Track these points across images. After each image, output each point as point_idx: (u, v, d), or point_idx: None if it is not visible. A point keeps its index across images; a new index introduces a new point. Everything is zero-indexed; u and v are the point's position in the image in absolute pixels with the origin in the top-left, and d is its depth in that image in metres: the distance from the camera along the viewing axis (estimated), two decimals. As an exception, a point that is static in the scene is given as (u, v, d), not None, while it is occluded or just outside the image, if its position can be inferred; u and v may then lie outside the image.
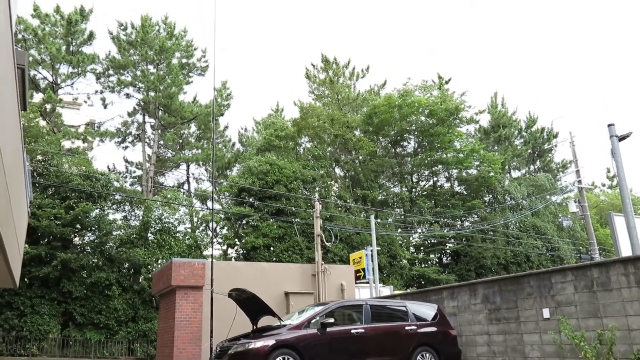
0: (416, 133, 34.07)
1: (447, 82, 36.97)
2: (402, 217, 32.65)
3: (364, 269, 21.38)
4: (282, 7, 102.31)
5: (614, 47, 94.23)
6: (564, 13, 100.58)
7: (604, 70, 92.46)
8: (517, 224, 33.32)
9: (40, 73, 27.54)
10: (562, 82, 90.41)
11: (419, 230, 33.11)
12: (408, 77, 46.52)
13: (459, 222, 33.66)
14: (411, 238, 33.51)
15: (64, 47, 27.38)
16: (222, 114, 33.37)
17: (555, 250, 33.31)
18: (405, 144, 35.48)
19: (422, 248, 33.53)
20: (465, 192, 35.07)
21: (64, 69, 27.88)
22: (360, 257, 22.13)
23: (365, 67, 36.68)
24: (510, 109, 40.77)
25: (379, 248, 25.79)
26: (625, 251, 12.03)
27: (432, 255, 32.85)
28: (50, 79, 27.76)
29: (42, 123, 25.74)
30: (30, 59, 25.45)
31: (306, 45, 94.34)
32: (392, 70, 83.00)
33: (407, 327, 9.51)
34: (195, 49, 31.79)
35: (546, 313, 8.71)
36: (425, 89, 34.87)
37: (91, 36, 28.26)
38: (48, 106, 26.24)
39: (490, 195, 34.88)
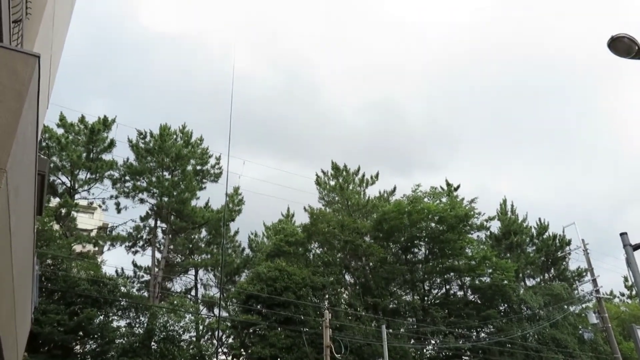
0: (426, 239, 33.84)
1: (456, 189, 37.40)
2: (415, 327, 31.43)
3: (375, 384, 20.21)
4: (293, 117, 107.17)
5: (620, 150, 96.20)
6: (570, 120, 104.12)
7: (613, 175, 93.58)
8: (536, 336, 31.85)
9: (59, 179, 28.39)
10: (571, 188, 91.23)
11: (433, 342, 31.67)
12: (417, 183, 47.29)
13: (474, 333, 32.25)
14: (425, 350, 31.97)
15: (84, 154, 28.47)
16: (233, 220, 33.66)
17: (579, 365, 31.48)
18: (415, 250, 35.12)
19: (436, 361, 31.86)
20: (479, 301, 34.00)
21: (82, 174, 28.80)
22: (371, 371, 21.03)
23: (374, 173, 37.46)
24: (520, 215, 40.81)
25: (392, 361, 24.57)
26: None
27: (447, 369, 31.10)
28: (69, 184, 28.55)
29: (56, 227, 26.04)
30: (51, 165, 26.39)
31: (317, 152, 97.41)
32: (400, 176, 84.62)
33: None
34: (210, 157, 32.91)
35: None
36: (434, 195, 35.23)
37: (112, 144, 29.45)
38: (63, 210, 26.72)
39: (506, 305, 33.74)
